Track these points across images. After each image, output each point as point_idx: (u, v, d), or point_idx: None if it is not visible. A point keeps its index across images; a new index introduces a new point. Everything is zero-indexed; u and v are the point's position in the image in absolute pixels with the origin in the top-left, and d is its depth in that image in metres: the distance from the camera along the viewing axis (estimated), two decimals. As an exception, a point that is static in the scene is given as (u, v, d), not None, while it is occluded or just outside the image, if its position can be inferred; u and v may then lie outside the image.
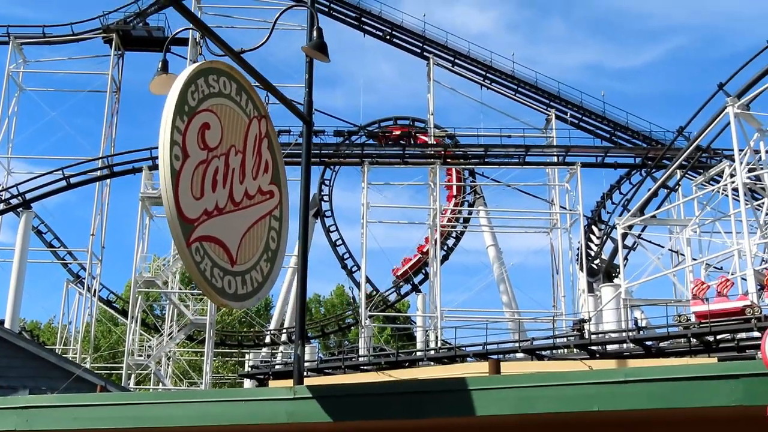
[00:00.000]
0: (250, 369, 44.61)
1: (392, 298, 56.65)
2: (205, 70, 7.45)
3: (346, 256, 56.03)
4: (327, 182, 56.16)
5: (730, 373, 6.42)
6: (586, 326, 37.72)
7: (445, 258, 54.07)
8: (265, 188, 8.22)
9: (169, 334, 48.69)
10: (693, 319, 33.34)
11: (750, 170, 39.37)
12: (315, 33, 8.39)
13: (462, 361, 37.91)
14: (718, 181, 43.09)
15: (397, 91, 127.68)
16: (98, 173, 50.26)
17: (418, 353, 42.74)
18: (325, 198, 56.15)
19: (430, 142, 52.63)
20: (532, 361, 35.24)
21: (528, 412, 6.90)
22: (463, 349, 38.79)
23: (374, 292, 54.05)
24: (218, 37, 7.81)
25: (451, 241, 56.17)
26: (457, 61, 54.07)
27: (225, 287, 7.32)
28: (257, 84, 8.54)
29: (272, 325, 56.75)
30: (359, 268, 52.52)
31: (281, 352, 52.58)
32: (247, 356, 55.45)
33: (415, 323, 54.57)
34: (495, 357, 37.14)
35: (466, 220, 56.56)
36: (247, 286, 7.70)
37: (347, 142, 52.03)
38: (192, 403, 8.03)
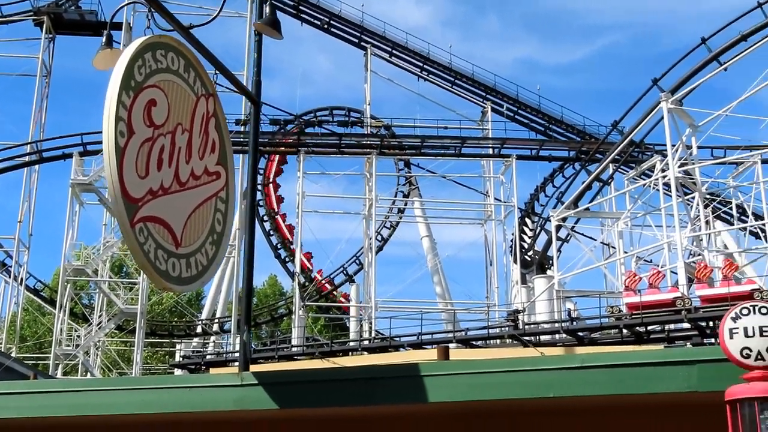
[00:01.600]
0: (181, 359, 43.90)
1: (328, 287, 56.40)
2: (152, 44, 7.16)
3: (279, 246, 55.60)
4: (261, 171, 55.62)
5: (686, 359, 6.42)
6: (519, 317, 38.00)
7: (379, 249, 54.02)
8: (212, 169, 7.96)
9: (98, 324, 47.68)
10: (625, 310, 33.82)
11: (681, 165, 40.10)
12: (267, 9, 8.13)
13: (396, 351, 37.91)
14: (649, 176, 43.82)
15: (333, 82, 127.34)
16: (26, 159, 48.86)
17: (352, 343, 42.64)
18: (259, 187, 55.59)
19: (366, 133, 52.45)
20: (465, 349, 35.40)
21: (481, 399, 6.80)
22: (397, 339, 38.74)
23: (308, 283, 53.71)
24: (166, 10, 7.51)
25: (385, 232, 56.22)
26: (394, 51, 53.97)
27: (169, 270, 7.05)
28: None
29: (204, 315, 56.01)
30: (293, 259, 52.16)
31: (213, 342, 51.94)
32: (178, 346, 54.61)
33: (348, 313, 54.33)
34: (430, 347, 37.24)
35: (401, 211, 56.57)
36: (192, 269, 7.44)
37: (283, 131, 51.58)
38: (134, 391, 7.74)
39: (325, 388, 7.31)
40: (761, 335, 5.96)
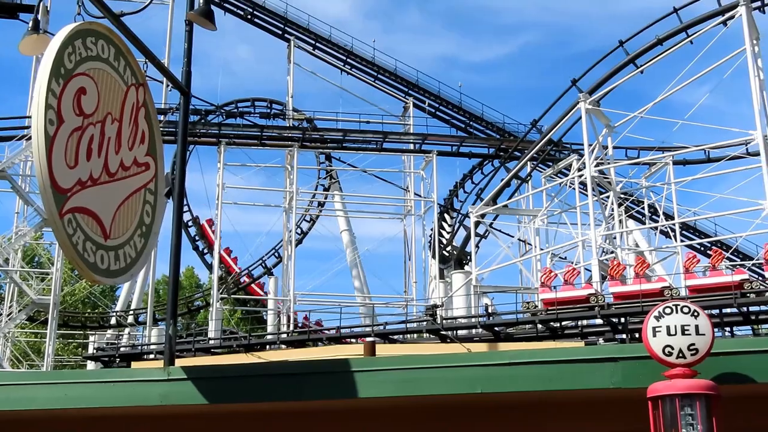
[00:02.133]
0: (95, 351, 42.98)
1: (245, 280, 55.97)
2: (83, 31, 6.99)
3: (198, 237, 54.94)
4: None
5: (611, 356, 6.59)
6: (437, 312, 38.37)
7: (299, 242, 53.86)
8: (141, 160, 7.83)
9: (8, 315, 46.34)
10: (540, 306, 34.45)
11: (597, 164, 41.01)
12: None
13: (314, 345, 37.86)
14: (566, 174, 44.72)
15: (255, 74, 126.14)
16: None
17: (270, 336, 42.45)
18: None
19: (288, 125, 52.17)
20: (384, 344, 35.57)
21: (410, 394, 6.86)
22: (316, 332, 38.69)
23: (225, 275, 53.21)
24: (97, -4, 7.35)
25: (305, 225, 56.07)
26: (318, 44, 53.79)
27: (98, 262, 6.92)
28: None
29: (119, 306, 54.96)
30: (211, 251, 51.61)
31: (128, 334, 51.01)
32: (91, 338, 53.45)
33: (266, 306, 54.00)
34: (349, 341, 37.34)
35: (321, 205, 56.48)
36: (120, 261, 7.31)
37: (203, 121, 50.89)
38: (56, 385, 7.56)
39: (254, 383, 7.27)
40: (683, 334, 6.17)
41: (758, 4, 39.18)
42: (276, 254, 55.56)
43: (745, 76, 37.25)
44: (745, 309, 32.11)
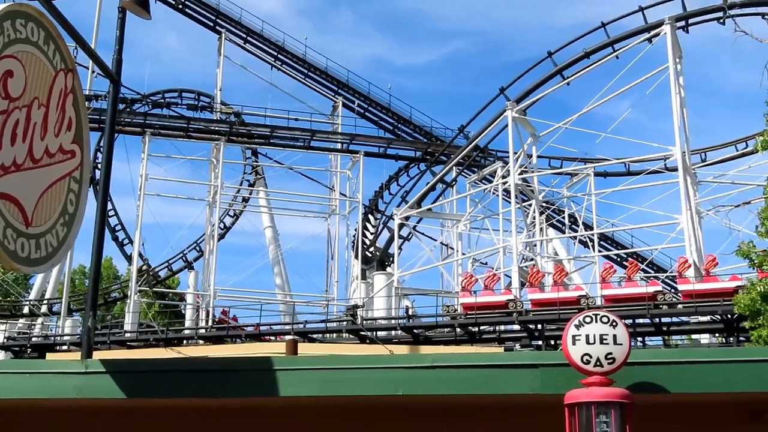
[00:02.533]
0: (5, 341, 41.87)
1: (164, 273, 55.18)
2: (12, 12, 6.81)
3: (118, 228, 53.93)
4: (102, 150, 53.68)
5: (530, 363, 6.70)
6: (358, 312, 38.45)
7: (221, 237, 53.34)
8: (67, 147, 7.65)
9: None
10: (460, 310, 34.82)
11: (521, 173, 41.65)
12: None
13: (233, 342, 37.57)
14: (490, 181, 45.33)
15: (183, 64, 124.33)
16: None
17: (188, 331, 41.96)
18: (100, 166, 53.60)
19: (215, 118, 51.65)
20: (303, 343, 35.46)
21: (333, 394, 6.87)
22: (235, 329, 38.40)
23: (145, 267, 52.36)
24: (29, -22, 7.16)
25: (228, 220, 55.58)
26: (249, 38, 53.37)
27: (18, 250, 6.75)
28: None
29: (32, 295, 53.60)
30: (131, 242, 50.76)
31: (41, 324, 49.80)
32: (1, 327, 51.98)
33: (186, 300, 53.31)
34: (268, 339, 37.13)
35: (246, 200, 56.04)
36: (42, 250, 7.14)
37: (129, 110, 50.01)
38: (-33, 375, 7.34)
39: (175, 378, 7.17)
40: (601, 343, 6.32)
41: (682, 23, 40.27)
42: (197, 248, 54.94)
43: (667, 93, 38.34)
44: (657, 320, 33.00)
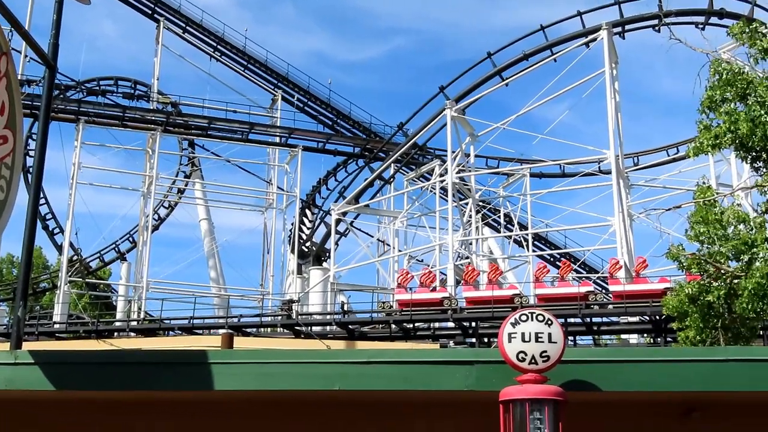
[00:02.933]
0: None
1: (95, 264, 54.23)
2: (-53, -8, 6.65)
3: (49, 216, 52.81)
4: (34, 136, 52.52)
5: (467, 359, 6.77)
6: (293, 307, 38.32)
7: (155, 228, 52.59)
8: None
9: None
10: (395, 306, 34.94)
11: (459, 171, 41.94)
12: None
13: (165, 334, 37.12)
14: (428, 179, 45.55)
15: (120, 52, 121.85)
16: None
17: (119, 323, 41.31)
18: (31, 153, 52.49)
19: (152, 108, 50.91)
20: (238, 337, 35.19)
21: (269, 389, 6.85)
22: (168, 321, 37.91)
23: (76, 257, 51.38)
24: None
25: (163, 212, 54.87)
26: (188, 28, 52.69)
27: (-53, 237, 6.59)
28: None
29: (-43, 284, 52.24)
30: (62, 231, 49.77)
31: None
32: (-75, 316, 50.55)
33: (118, 292, 52.45)
34: (200, 332, 36.77)
35: (181, 192, 55.37)
36: (-29, 237, 6.98)
37: (62, 96, 49.00)
38: None
39: (108, 370, 7.07)
40: (536, 341, 6.42)
41: (619, 29, 40.96)
42: (131, 239, 54.13)
43: (602, 97, 38.95)
44: (588, 319, 33.55)
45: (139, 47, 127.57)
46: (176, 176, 53.77)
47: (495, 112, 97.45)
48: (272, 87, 54.35)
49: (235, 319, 37.15)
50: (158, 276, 48.84)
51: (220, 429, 7.43)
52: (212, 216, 53.61)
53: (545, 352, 6.38)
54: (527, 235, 43.61)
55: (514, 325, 6.49)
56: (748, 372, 6.57)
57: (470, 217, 43.14)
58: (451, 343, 34.76)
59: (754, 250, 14.53)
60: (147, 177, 48.87)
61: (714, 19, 40.32)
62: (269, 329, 38.41)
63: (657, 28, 40.52)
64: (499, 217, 47.43)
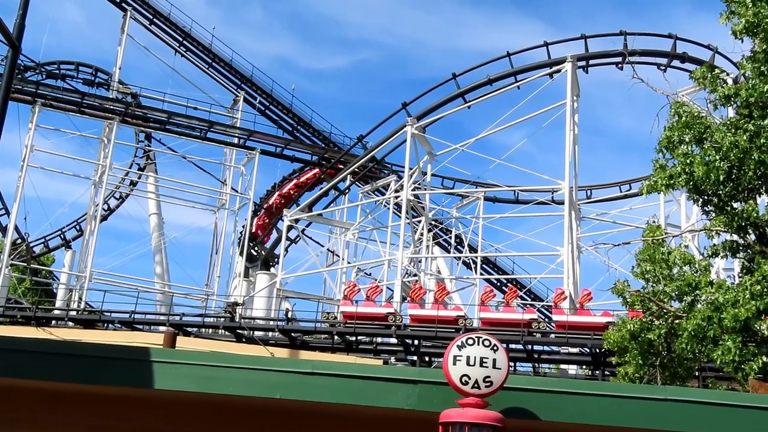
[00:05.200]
0: None
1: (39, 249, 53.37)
2: None
3: (-7, 199, 51.87)
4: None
5: (410, 378, 6.78)
6: (237, 310, 38.06)
7: (104, 218, 51.94)
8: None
9: None
10: (340, 318, 34.87)
11: (414, 189, 42.09)
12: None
13: (105, 327, 36.61)
14: (383, 193, 45.66)
15: (83, 38, 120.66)
16: None
17: (58, 312, 40.66)
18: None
19: (111, 97, 50.34)
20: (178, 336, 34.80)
21: (210, 392, 6.80)
22: (108, 314, 37.37)
23: (20, 240, 50.46)
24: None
25: (113, 202, 54.24)
26: (155, 20, 52.26)
27: None
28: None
29: None
30: (8, 213, 48.89)
31: None
32: None
33: (59, 280, 51.60)
34: (140, 328, 36.34)
35: (134, 184, 54.79)
36: None
37: (20, 77, 48.20)
38: None
39: (48, 360, 6.95)
40: (481, 365, 6.45)
41: (583, 63, 41.53)
42: (77, 227, 53.38)
43: (561, 128, 39.45)
44: (530, 347, 33.82)
45: (103, 35, 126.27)
46: (130, 168, 53.22)
47: (455, 133, 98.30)
48: (235, 87, 54.11)
49: (177, 318, 36.77)
50: (102, 267, 48.29)
51: (157, 429, 7.35)
52: (163, 211, 53.20)
53: (489, 377, 6.41)
54: (476, 257, 43.88)
55: (460, 348, 6.52)
56: (685, 413, 6.68)
57: (422, 235, 43.32)
58: (393, 359, 34.77)
59: (697, 292, 14.77)
60: (100, 166, 48.28)
61: (676, 62, 41.12)
62: (211, 330, 38.08)
63: (620, 65, 41.17)
64: (450, 237, 47.68)
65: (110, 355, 7.08)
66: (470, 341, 6.56)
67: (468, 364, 6.44)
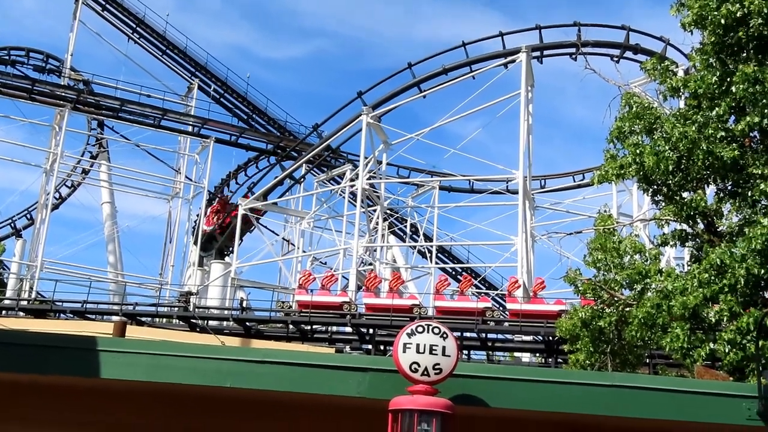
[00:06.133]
0: None
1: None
2: None
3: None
4: None
5: (360, 366, 6.81)
6: (191, 299, 37.80)
7: (55, 207, 51.19)
8: None
9: None
10: (295, 307, 34.78)
11: (370, 178, 42.07)
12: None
13: (56, 317, 36.12)
14: (339, 182, 45.59)
15: (34, 23, 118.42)
16: None
17: (8, 301, 40.06)
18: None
19: (63, 84, 49.56)
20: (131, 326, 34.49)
21: (160, 381, 6.76)
22: (60, 304, 36.88)
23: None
24: None
25: (65, 191, 53.47)
26: (108, 6, 51.51)
27: None
28: None
29: None
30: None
31: None
32: None
33: (9, 269, 50.76)
34: (93, 317, 35.93)
35: (86, 172, 54.03)
36: None
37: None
38: None
39: (-6, 350, 6.86)
40: (431, 353, 6.50)
41: (538, 54, 41.76)
42: (28, 216, 52.55)
43: (515, 118, 39.61)
44: (484, 335, 34.05)
45: (55, 21, 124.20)
46: (82, 156, 52.49)
47: (410, 123, 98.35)
48: (189, 75, 53.56)
49: (131, 307, 36.43)
50: (54, 256, 47.65)
51: (106, 418, 7.29)
52: (116, 200, 52.59)
53: (438, 364, 6.46)
54: (431, 246, 43.99)
55: (409, 335, 6.56)
56: (632, 399, 6.79)
57: (377, 224, 43.33)
58: (348, 348, 34.81)
59: (647, 280, 14.97)
60: (51, 154, 47.56)
61: (629, 54, 41.47)
62: (165, 320, 37.77)
63: (574, 56, 41.43)
64: (405, 226, 47.74)
65: (57, 345, 7.01)
66: (420, 329, 6.61)
67: (418, 351, 6.48)
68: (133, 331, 26.96)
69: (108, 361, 6.76)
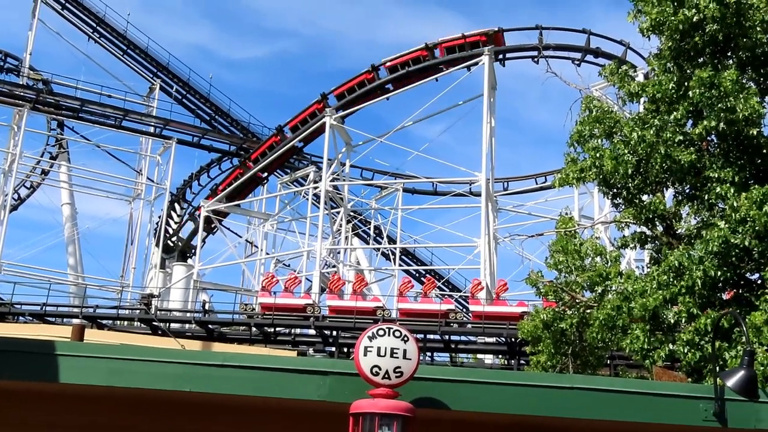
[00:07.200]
0: None
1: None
2: None
3: None
4: None
5: (321, 369, 6.79)
6: (153, 301, 37.50)
7: (14, 208, 50.52)
8: None
9: None
10: (258, 309, 34.65)
11: (333, 179, 42.03)
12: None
13: (15, 320, 35.65)
14: (302, 184, 45.49)
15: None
16: None
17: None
18: None
19: (22, 83, 48.92)
20: (92, 329, 34.14)
21: (118, 385, 6.68)
22: (19, 307, 36.41)
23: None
24: None
25: (24, 192, 52.79)
26: (68, 5, 50.97)
27: None
28: None
29: None
30: None
31: None
32: None
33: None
34: (53, 320, 35.51)
35: (45, 173, 53.40)
36: None
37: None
38: None
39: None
40: (392, 356, 6.49)
41: (501, 57, 41.96)
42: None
43: (478, 120, 39.84)
44: (447, 337, 34.17)
45: (13, 19, 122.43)
46: (41, 156, 51.88)
47: (373, 125, 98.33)
48: (151, 75, 53.16)
49: (91, 310, 36.06)
50: (12, 258, 47.04)
51: (62, 424, 7.20)
52: (76, 201, 52.10)
53: (399, 367, 6.45)
54: (395, 249, 44.06)
55: (371, 339, 6.55)
56: (591, 401, 6.84)
57: (341, 226, 43.33)
58: (311, 350, 34.75)
59: (608, 282, 15.09)
60: (9, 154, 46.96)
61: (590, 57, 41.81)
62: (126, 323, 37.42)
63: (536, 59, 41.71)
64: (369, 228, 47.78)
65: (12, 349, 6.89)
66: (381, 332, 6.59)
67: (379, 354, 6.47)
68: (93, 335, 26.68)
69: (65, 366, 6.67)
